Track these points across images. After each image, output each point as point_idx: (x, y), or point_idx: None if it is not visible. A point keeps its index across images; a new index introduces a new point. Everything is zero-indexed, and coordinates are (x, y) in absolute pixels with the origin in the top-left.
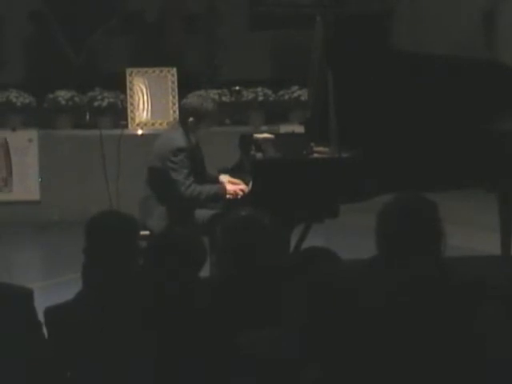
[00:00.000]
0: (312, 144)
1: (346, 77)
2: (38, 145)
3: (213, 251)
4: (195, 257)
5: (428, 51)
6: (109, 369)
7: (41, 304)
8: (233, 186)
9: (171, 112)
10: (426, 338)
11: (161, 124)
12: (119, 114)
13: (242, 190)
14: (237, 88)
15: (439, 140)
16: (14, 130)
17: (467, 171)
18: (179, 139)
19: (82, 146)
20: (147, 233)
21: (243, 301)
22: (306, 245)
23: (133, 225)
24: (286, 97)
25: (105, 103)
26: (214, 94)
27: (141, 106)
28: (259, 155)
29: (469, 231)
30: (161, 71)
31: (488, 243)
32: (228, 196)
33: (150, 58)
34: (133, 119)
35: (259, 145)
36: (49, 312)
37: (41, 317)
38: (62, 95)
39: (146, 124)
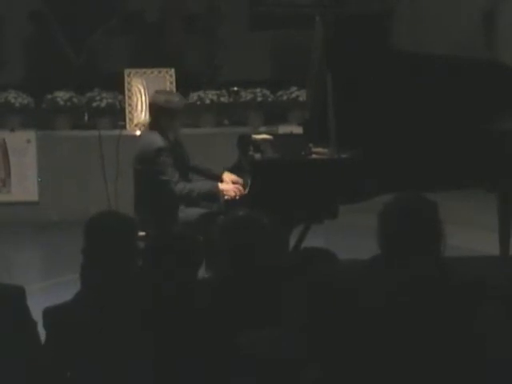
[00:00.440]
0: (310, 145)
1: (345, 77)
2: (36, 145)
3: (207, 250)
4: (193, 257)
5: (427, 51)
6: (108, 370)
7: (40, 304)
8: (227, 185)
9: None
10: (425, 338)
11: None
12: (118, 114)
13: (237, 189)
14: (235, 89)
15: (438, 140)
16: (12, 130)
17: (467, 171)
18: (157, 140)
19: (81, 147)
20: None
21: (242, 301)
22: (305, 245)
23: (131, 225)
24: (285, 97)
25: (103, 104)
26: (212, 94)
27: (139, 106)
28: (258, 156)
29: (469, 231)
30: (159, 72)
31: (488, 243)
32: (226, 197)
33: (149, 58)
34: (131, 120)
35: (258, 145)
36: (47, 313)
37: (39, 317)
38: (61, 96)
39: (144, 125)
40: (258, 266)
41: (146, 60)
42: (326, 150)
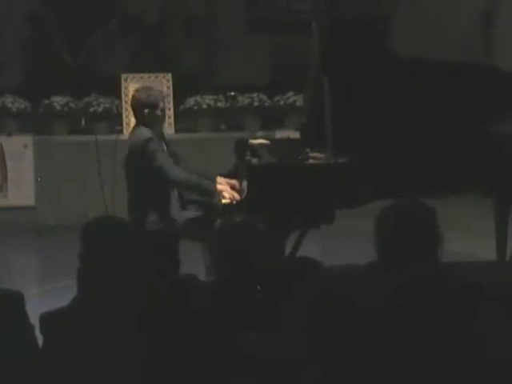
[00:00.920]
0: (307, 149)
1: (342, 81)
2: (33, 150)
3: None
4: (177, 255)
5: (424, 55)
6: (105, 375)
7: (36, 310)
8: (223, 186)
9: (166, 117)
10: (424, 340)
11: None
12: (114, 119)
13: (232, 194)
14: (232, 93)
15: (435, 145)
16: (9, 135)
17: (463, 176)
18: (144, 132)
19: (78, 152)
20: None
21: (240, 304)
22: (302, 249)
23: (128, 230)
24: (282, 102)
25: (100, 109)
26: (209, 99)
27: None
28: (255, 161)
29: (467, 237)
30: (156, 77)
31: (486, 249)
32: (224, 201)
33: (148, 61)
34: (128, 125)
35: (255, 150)
36: (44, 318)
37: (36, 322)
38: (58, 101)
39: None
40: (256, 271)
41: (144, 63)
42: (322, 155)
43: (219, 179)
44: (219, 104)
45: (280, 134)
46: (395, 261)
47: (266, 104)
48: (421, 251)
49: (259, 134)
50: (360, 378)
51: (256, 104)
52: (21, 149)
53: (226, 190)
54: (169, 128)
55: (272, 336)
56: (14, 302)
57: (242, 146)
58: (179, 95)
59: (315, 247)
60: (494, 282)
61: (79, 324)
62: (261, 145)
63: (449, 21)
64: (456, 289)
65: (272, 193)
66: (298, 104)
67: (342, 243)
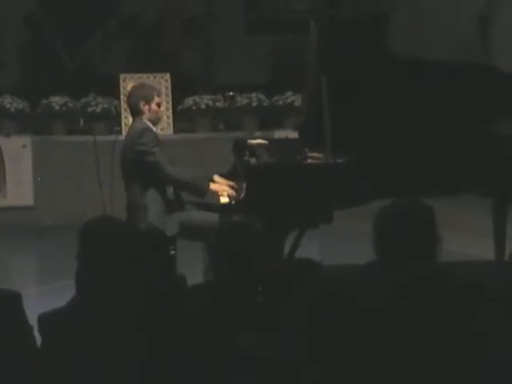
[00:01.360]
0: (306, 149)
1: (341, 81)
2: (31, 150)
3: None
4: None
5: (424, 55)
6: (104, 375)
7: (35, 310)
8: (219, 185)
9: (165, 118)
10: (424, 340)
11: None
12: (113, 119)
13: (229, 189)
14: (230, 93)
15: (434, 145)
16: (7, 135)
17: (462, 176)
18: (141, 123)
19: (76, 152)
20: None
21: (240, 304)
22: (300, 249)
23: (126, 230)
24: (280, 102)
25: (99, 109)
26: (207, 99)
27: None
28: (253, 161)
29: (467, 237)
30: (154, 77)
31: (486, 249)
32: (223, 200)
33: (146, 60)
34: (126, 125)
35: (253, 150)
36: (42, 318)
37: (34, 323)
38: (56, 101)
39: None
40: (256, 271)
41: (143, 63)
42: (321, 155)
43: (217, 178)
44: (218, 104)
45: (278, 134)
46: (395, 261)
47: (265, 104)
48: (420, 251)
49: (258, 133)
50: (360, 378)
51: (254, 104)
52: (19, 149)
53: (223, 189)
54: (167, 128)
55: (272, 336)
56: (13, 301)
57: (240, 146)
58: (178, 95)
59: (314, 247)
60: (493, 281)
61: (78, 324)
62: (259, 145)
63: (448, 21)
64: (456, 289)
65: (270, 193)
66: (296, 104)
67: (341, 243)
